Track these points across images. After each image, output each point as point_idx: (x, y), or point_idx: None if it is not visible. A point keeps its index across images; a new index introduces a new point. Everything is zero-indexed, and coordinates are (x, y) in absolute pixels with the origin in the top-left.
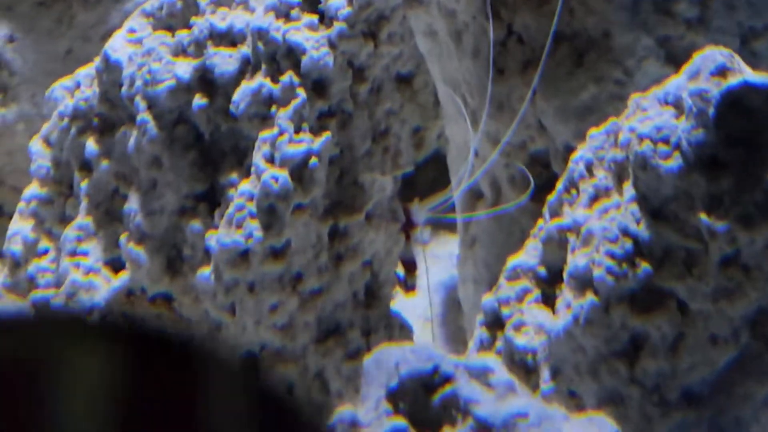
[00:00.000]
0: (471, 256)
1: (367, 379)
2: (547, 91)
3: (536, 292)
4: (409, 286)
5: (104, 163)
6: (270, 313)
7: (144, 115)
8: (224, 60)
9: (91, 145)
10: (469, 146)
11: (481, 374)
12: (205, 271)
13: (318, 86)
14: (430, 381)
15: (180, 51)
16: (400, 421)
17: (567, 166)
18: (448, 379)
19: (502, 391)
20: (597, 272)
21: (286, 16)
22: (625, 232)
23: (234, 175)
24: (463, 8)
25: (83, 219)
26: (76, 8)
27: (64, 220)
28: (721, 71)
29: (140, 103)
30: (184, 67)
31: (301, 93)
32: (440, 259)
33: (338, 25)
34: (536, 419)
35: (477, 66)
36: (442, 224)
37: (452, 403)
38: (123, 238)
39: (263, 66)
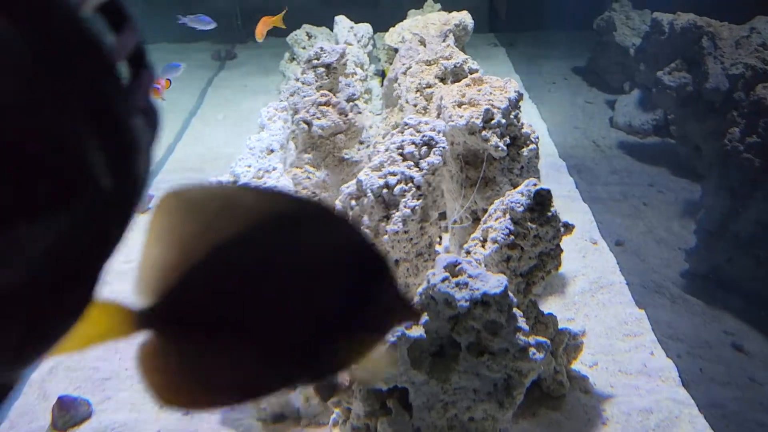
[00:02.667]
0: (455, 240)
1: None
2: (477, 195)
3: (480, 245)
4: None
5: None
6: None
7: None
8: None
9: None
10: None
11: (463, 262)
12: None
13: None
14: (456, 263)
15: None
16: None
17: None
18: (459, 263)
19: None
20: (494, 235)
21: None
22: (506, 229)
23: None
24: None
25: None
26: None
27: None
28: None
29: None
30: None
31: None
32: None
33: None
34: (468, 267)
35: (457, 186)
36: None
37: (459, 272)
38: None
39: None
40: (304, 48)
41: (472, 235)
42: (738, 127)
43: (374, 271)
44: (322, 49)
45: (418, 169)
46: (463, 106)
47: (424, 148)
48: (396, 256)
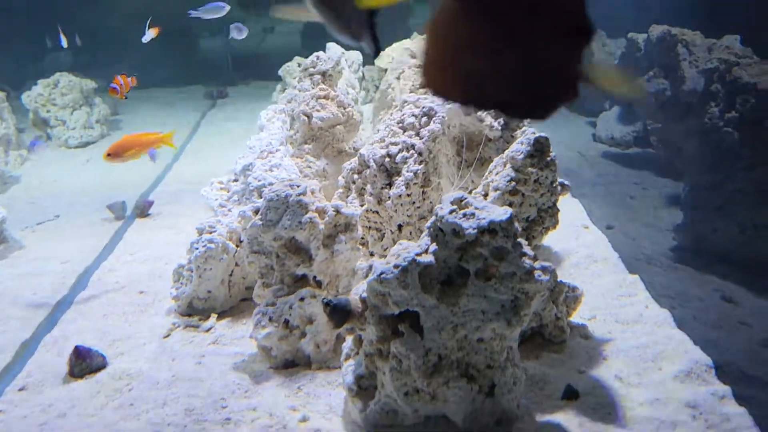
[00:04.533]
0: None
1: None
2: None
3: (481, 197)
4: None
5: None
6: None
7: None
8: None
9: None
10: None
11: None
12: None
13: None
14: (462, 198)
15: None
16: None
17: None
18: (464, 197)
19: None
20: (495, 184)
21: None
22: (507, 176)
23: None
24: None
25: None
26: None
27: None
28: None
29: None
30: None
31: None
32: None
33: None
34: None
35: (454, 169)
36: None
37: (465, 205)
38: None
39: None
40: (295, 78)
41: (475, 190)
42: (717, 106)
43: None
44: (318, 57)
45: (418, 137)
46: None
47: (424, 118)
48: (399, 221)
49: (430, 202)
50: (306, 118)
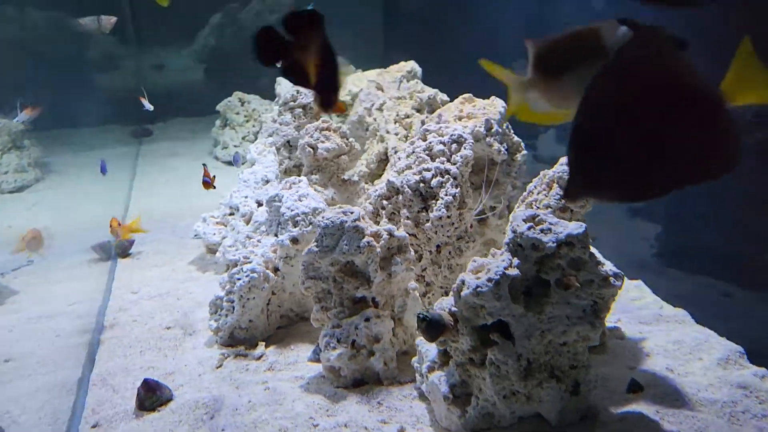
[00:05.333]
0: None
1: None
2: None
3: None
4: None
5: None
6: None
7: None
8: None
9: None
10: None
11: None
12: None
13: None
14: (535, 215)
15: None
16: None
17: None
18: (537, 215)
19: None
20: (546, 202)
21: None
22: (557, 194)
23: None
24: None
25: None
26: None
27: None
28: None
29: None
30: None
31: None
32: None
33: None
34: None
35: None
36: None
37: (539, 221)
38: None
39: None
40: (237, 113)
41: (517, 207)
42: None
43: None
44: (298, 91)
45: (450, 162)
46: (463, 120)
47: (454, 145)
48: (439, 241)
49: (464, 223)
50: (311, 149)
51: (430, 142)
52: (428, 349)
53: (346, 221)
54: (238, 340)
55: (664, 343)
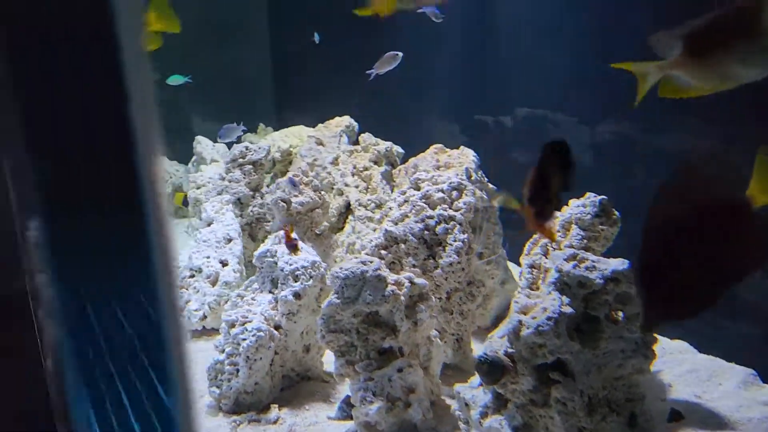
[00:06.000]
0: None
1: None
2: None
3: (544, 257)
4: None
5: None
6: None
7: None
8: None
9: None
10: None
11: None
12: None
13: None
14: (576, 254)
15: None
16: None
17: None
18: (577, 253)
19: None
20: (567, 242)
21: None
22: (578, 235)
23: None
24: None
25: None
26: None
27: None
28: None
29: None
30: None
31: None
32: None
33: None
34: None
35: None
36: None
37: (582, 259)
38: None
39: None
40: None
41: (533, 251)
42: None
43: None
44: (247, 148)
45: (453, 209)
46: (441, 169)
47: (455, 192)
48: (449, 287)
49: (473, 268)
50: (284, 204)
51: (427, 191)
52: (475, 395)
53: (367, 271)
54: (244, 406)
55: (681, 373)
